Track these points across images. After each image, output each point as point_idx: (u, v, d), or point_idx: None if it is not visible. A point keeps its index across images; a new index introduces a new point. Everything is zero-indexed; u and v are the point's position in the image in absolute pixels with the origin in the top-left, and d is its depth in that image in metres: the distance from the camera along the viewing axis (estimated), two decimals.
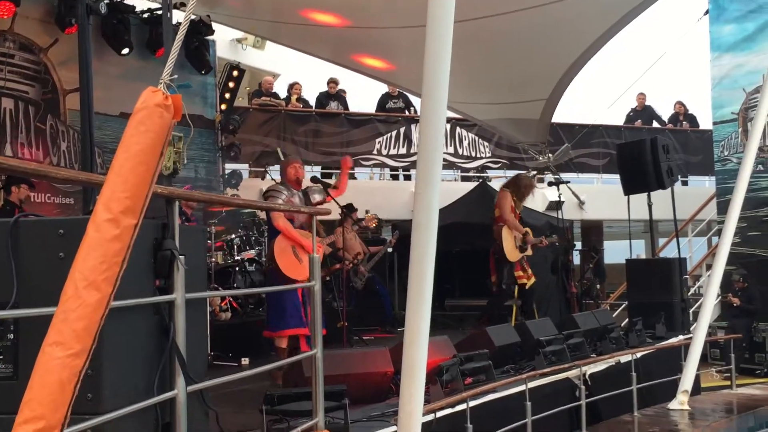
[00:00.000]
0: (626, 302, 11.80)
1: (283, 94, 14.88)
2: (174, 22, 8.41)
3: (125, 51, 9.90)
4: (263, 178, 13.29)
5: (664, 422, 7.84)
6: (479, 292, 12.42)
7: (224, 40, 13.99)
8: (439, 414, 5.61)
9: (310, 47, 10.80)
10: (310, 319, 7.05)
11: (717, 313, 14.05)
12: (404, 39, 8.99)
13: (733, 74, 15.03)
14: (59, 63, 9.35)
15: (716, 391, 10.32)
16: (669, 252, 14.91)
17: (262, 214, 11.34)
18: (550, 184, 12.14)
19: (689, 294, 12.12)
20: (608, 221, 17.04)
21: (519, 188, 9.73)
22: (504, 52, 9.48)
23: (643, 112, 17.49)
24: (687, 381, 8.30)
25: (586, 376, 7.62)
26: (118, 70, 10.04)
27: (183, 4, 8.96)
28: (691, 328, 10.25)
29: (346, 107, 15.01)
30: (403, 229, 12.13)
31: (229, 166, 12.83)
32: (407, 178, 15.44)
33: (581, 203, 15.07)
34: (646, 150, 10.95)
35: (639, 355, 8.53)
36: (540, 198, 14.90)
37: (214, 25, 10.79)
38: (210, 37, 11.19)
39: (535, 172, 13.46)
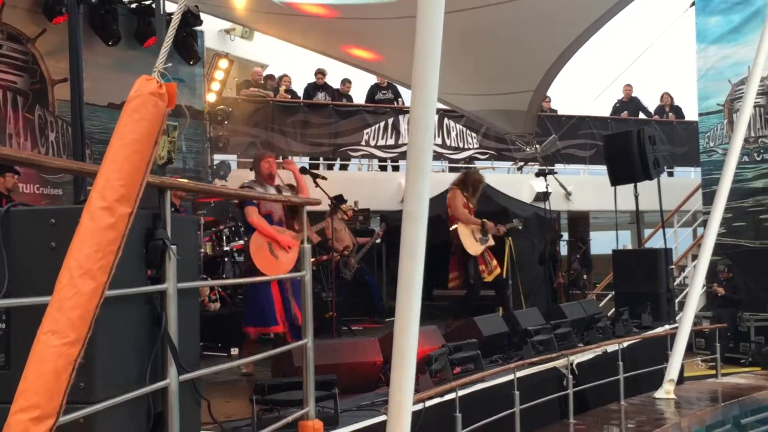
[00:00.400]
0: (613, 292, 11.86)
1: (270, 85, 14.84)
2: (161, 12, 8.38)
3: (113, 41, 9.85)
4: (251, 169, 13.25)
5: (651, 411, 7.90)
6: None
7: (212, 30, 13.94)
8: (429, 403, 5.64)
9: (298, 38, 10.78)
10: (293, 313, 7.11)
11: (702, 302, 14.12)
12: (392, 30, 9.00)
13: (718, 66, 15.08)
14: (47, 53, 9.30)
15: (701, 380, 10.40)
16: (655, 242, 14.98)
17: None
18: (538, 175, 12.16)
19: (675, 284, 12.18)
20: (595, 212, 17.10)
21: (467, 185, 9.65)
22: (492, 43, 9.49)
23: (629, 104, 17.54)
24: (673, 370, 8.37)
25: (574, 366, 7.68)
26: (107, 60, 10.00)
27: None
28: (677, 318, 10.31)
29: (333, 98, 15.00)
30: (391, 220, 12.15)
31: (218, 157, 12.81)
32: (395, 169, 15.44)
33: (568, 194, 15.12)
34: (633, 141, 11.00)
35: (625, 344, 8.60)
36: (527, 189, 14.96)
37: (202, 16, 10.76)
38: (198, 28, 11.14)
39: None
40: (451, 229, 9.45)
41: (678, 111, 17.94)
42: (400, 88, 14.71)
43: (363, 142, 14.69)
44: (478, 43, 9.31)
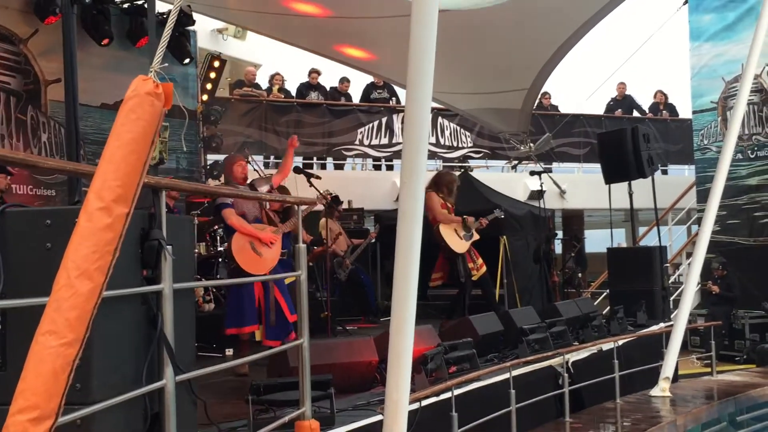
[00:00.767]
0: (608, 290, 11.88)
1: (264, 84, 14.84)
2: (154, 12, 8.36)
3: (106, 41, 9.83)
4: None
5: (646, 409, 7.91)
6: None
7: (205, 30, 13.92)
8: (425, 402, 5.63)
9: (291, 37, 10.77)
10: (266, 312, 7.12)
11: (697, 300, 14.17)
12: (386, 29, 9.00)
13: (712, 63, 15.12)
14: (39, 54, 9.26)
15: (697, 377, 10.41)
16: (649, 240, 15.01)
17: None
18: (532, 173, 12.18)
19: (670, 282, 12.22)
20: (589, 210, 17.13)
21: (440, 186, 9.62)
22: (485, 42, 9.50)
23: (623, 102, 17.57)
24: (668, 368, 8.38)
25: (569, 364, 7.68)
26: (99, 61, 9.96)
27: None
28: (672, 316, 10.34)
29: (327, 97, 14.99)
30: (385, 219, 12.15)
31: (211, 157, 12.79)
32: (389, 168, 15.44)
33: (562, 192, 15.14)
34: (627, 139, 11.02)
35: (621, 342, 8.60)
36: (521, 187, 14.98)
37: (195, 16, 10.73)
38: (191, 28, 11.11)
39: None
40: (433, 230, 9.43)
41: (672, 109, 17.97)
42: (396, 87, 14.70)
43: (357, 142, 14.69)
44: (472, 42, 9.31)
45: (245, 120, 13.83)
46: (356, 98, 15.32)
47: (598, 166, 12.39)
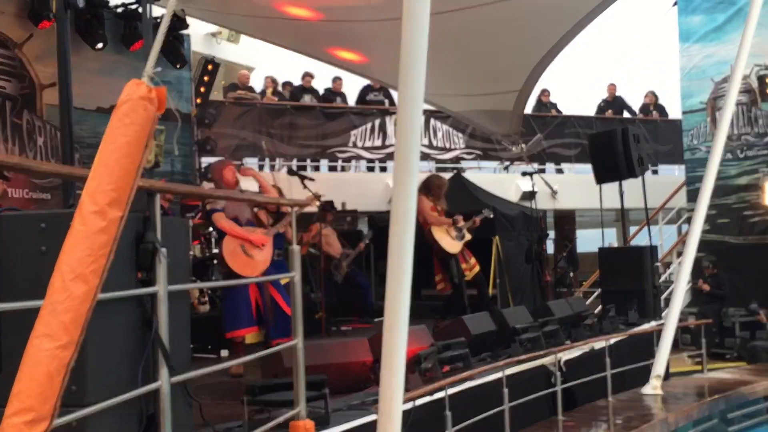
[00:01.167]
0: (599, 290, 11.93)
1: (258, 87, 14.86)
2: (148, 16, 8.39)
3: (100, 45, 9.84)
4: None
5: (638, 406, 7.97)
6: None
7: (198, 34, 13.95)
8: (418, 402, 5.67)
9: (284, 41, 10.79)
10: (265, 314, 7.16)
11: (688, 299, 14.22)
12: (378, 32, 9.02)
13: (701, 64, 15.19)
14: (35, 58, 9.26)
15: (688, 375, 10.48)
16: (640, 240, 15.07)
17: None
18: (524, 174, 12.22)
19: (660, 281, 12.27)
20: (581, 210, 17.17)
21: (430, 189, 9.68)
22: (477, 44, 9.52)
23: (613, 103, 17.61)
24: (659, 366, 8.44)
25: (561, 363, 7.73)
26: (94, 65, 9.96)
27: None
28: (663, 315, 10.40)
29: (320, 100, 15.02)
30: (379, 220, 12.18)
31: (206, 160, 12.80)
32: (383, 170, 15.46)
33: (554, 193, 15.18)
34: (617, 140, 11.08)
35: (612, 341, 8.65)
36: (513, 188, 15.02)
37: (189, 19, 10.74)
38: (184, 32, 11.13)
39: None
40: (425, 233, 9.48)
41: (662, 109, 18.03)
42: (391, 90, 14.73)
43: (350, 144, 14.71)
44: (463, 44, 9.34)
45: (239, 123, 13.84)
46: (351, 99, 15.34)
47: (589, 166, 12.44)
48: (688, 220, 12.56)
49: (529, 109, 16.63)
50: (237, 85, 14.31)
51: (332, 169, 15.61)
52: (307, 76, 14.98)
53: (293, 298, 4.67)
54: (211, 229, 10.20)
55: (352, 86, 15.23)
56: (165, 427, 3.24)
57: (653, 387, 8.37)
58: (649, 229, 12.12)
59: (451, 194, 12.91)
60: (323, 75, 14.85)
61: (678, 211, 16.55)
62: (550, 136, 15.08)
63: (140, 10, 10.09)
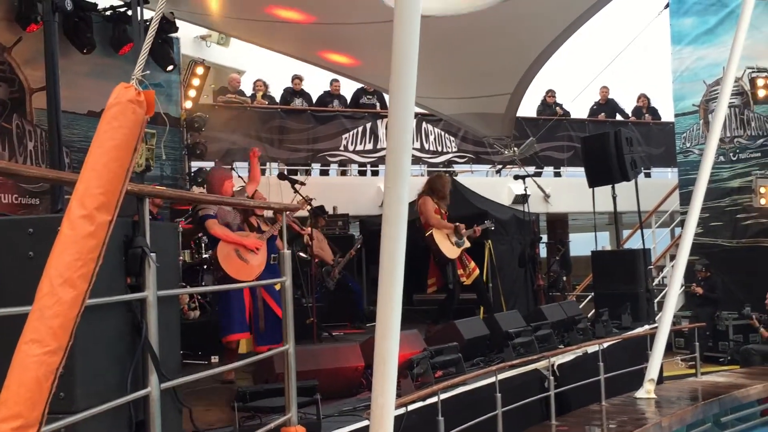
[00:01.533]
0: (592, 293, 11.92)
1: (248, 91, 14.82)
2: (139, 19, 8.34)
3: (88, 49, 9.78)
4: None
5: (632, 411, 7.95)
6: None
7: (188, 37, 13.88)
8: (411, 407, 5.64)
9: (274, 44, 10.77)
10: (254, 319, 7.12)
11: (681, 302, 14.24)
12: (369, 35, 9.00)
13: (693, 67, 15.23)
14: (24, 62, 9.20)
15: (681, 379, 10.47)
16: (633, 243, 15.09)
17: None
18: (516, 177, 12.22)
19: (654, 284, 12.27)
20: (573, 214, 17.18)
21: (435, 190, 9.68)
22: (468, 47, 9.52)
23: (606, 106, 17.65)
24: (653, 370, 8.42)
25: (555, 367, 7.71)
26: (84, 68, 9.91)
27: (146, 1, 8.88)
28: (656, 318, 10.38)
29: (311, 103, 14.99)
30: (370, 224, 12.16)
31: (195, 164, 12.75)
32: (374, 173, 15.44)
33: (546, 196, 15.19)
34: (610, 143, 11.07)
35: (606, 345, 8.64)
36: (506, 192, 15.02)
37: (178, 22, 10.71)
38: (174, 35, 11.08)
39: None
40: (426, 234, 9.46)
41: (654, 112, 18.07)
42: (384, 94, 14.70)
43: (341, 147, 14.68)
44: (454, 47, 9.33)
45: (229, 127, 13.80)
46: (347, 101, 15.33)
47: (581, 169, 12.44)
48: (681, 223, 12.59)
49: (533, 111, 16.71)
50: (227, 89, 14.27)
51: (323, 173, 15.59)
52: (297, 79, 14.95)
53: (284, 303, 4.64)
54: (201, 233, 10.18)
55: (345, 86, 15.21)
56: None
57: (647, 391, 8.35)
58: (642, 233, 12.11)
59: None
60: (315, 78, 14.82)
61: (671, 214, 16.58)
62: (542, 139, 15.07)
63: (129, 13, 10.05)
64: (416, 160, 15.09)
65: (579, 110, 17.56)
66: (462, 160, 15.87)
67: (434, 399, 5.76)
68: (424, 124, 15.16)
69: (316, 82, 15.22)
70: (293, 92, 14.93)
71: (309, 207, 8.76)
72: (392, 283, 4.29)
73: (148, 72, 2.68)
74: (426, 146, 15.33)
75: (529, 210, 11.47)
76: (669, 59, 15.64)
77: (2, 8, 9.06)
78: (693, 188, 8.44)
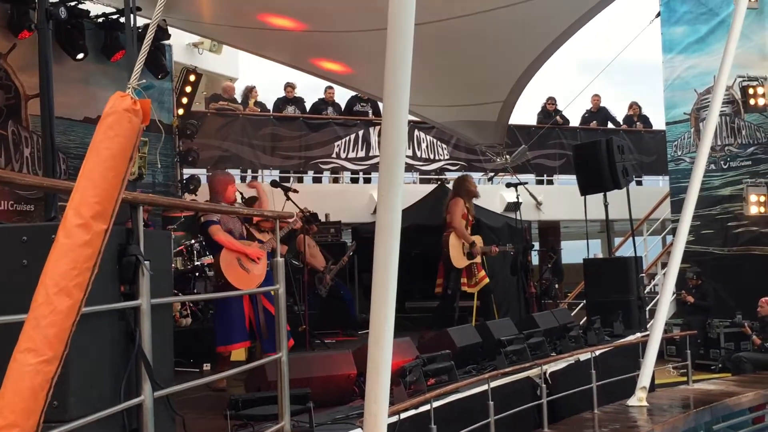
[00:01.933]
0: (584, 301, 11.93)
1: (240, 98, 14.83)
2: (133, 25, 8.32)
3: (80, 56, 9.78)
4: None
5: (624, 418, 7.95)
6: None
7: (180, 44, 13.90)
8: (403, 415, 5.63)
9: (267, 51, 10.77)
10: (257, 328, 7.11)
11: (673, 310, 14.26)
12: (362, 42, 9.01)
13: (684, 75, 15.29)
14: (19, 68, 9.18)
15: (673, 387, 10.48)
16: (625, 251, 15.12)
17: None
18: (508, 185, 12.24)
19: (645, 292, 12.29)
20: (565, 221, 17.22)
21: (461, 191, 9.76)
22: (461, 55, 9.53)
23: (598, 114, 17.71)
24: (645, 378, 8.42)
25: (547, 375, 7.70)
26: (79, 74, 9.90)
27: (139, 9, 8.88)
28: (648, 326, 10.40)
29: (303, 111, 15.00)
30: (363, 232, 12.15)
31: (187, 172, 12.74)
32: (367, 181, 15.46)
33: (538, 204, 15.22)
34: (602, 151, 11.09)
35: (598, 353, 8.64)
36: (498, 199, 15.04)
37: (170, 30, 10.71)
38: (166, 42, 11.08)
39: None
40: (444, 233, 9.49)
41: (646, 120, 18.14)
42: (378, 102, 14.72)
43: (334, 155, 14.69)
44: (447, 55, 9.35)
45: (221, 134, 13.80)
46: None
47: (573, 177, 12.46)
48: (673, 231, 12.62)
49: (532, 118, 16.76)
50: (219, 96, 14.27)
51: (316, 180, 15.60)
52: (289, 86, 14.96)
53: (278, 311, 4.64)
54: (193, 240, 10.17)
55: (338, 96, 15.25)
56: None
57: (639, 399, 8.35)
58: (633, 240, 12.13)
59: (435, 205, 12.93)
60: (307, 86, 14.86)
61: (662, 222, 16.63)
62: (534, 147, 15.12)
63: (122, 20, 10.05)
64: (408, 168, 15.10)
65: (571, 118, 17.64)
66: (454, 168, 15.89)
67: (427, 407, 5.75)
68: (416, 132, 15.19)
69: (310, 90, 15.25)
70: (286, 100, 14.95)
71: (301, 214, 8.75)
72: (385, 290, 4.29)
73: (144, 81, 2.68)
74: (418, 154, 15.35)
75: (521, 218, 11.49)
76: (660, 67, 15.71)
77: None
78: (684, 196, 8.46)
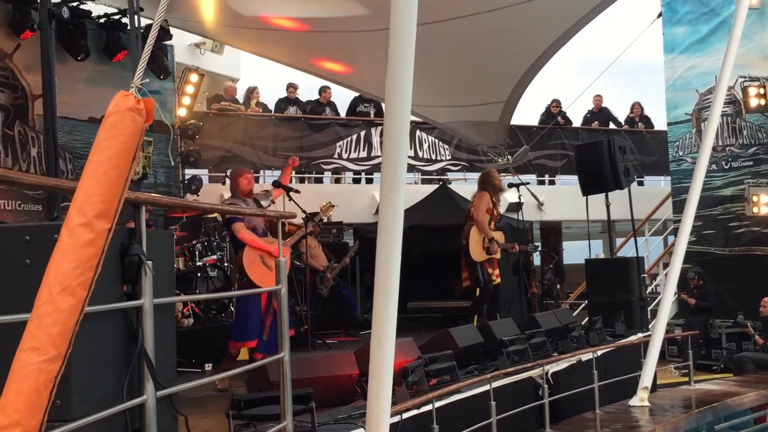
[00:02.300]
0: (586, 301, 11.93)
1: (241, 98, 14.82)
2: (137, 26, 8.36)
3: (82, 57, 9.78)
4: (224, 183, 13.25)
5: (625, 419, 7.95)
6: (441, 295, 12.46)
7: (182, 44, 13.91)
8: (405, 415, 5.64)
9: (268, 52, 10.78)
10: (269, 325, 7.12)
11: (674, 310, 14.25)
12: (363, 43, 9.03)
13: (686, 76, 15.28)
14: (24, 68, 9.19)
15: (675, 387, 10.48)
16: (626, 251, 15.11)
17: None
18: (510, 185, 12.24)
19: (647, 292, 12.28)
20: (567, 222, 17.22)
21: (487, 185, 9.77)
22: (462, 55, 9.54)
23: (599, 114, 17.70)
24: (647, 378, 8.43)
25: (549, 375, 7.70)
26: (82, 74, 9.92)
27: (141, 9, 8.90)
28: (650, 326, 10.40)
29: (305, 111, 15.00)
30: (365, 232, 12.16)
31: (189, 172, 12.75)
32: (369, 181, 15.46)
33: (540, 204, 15.22)
34: (604, 151, 11.09)
35: (600, 353, 8.64)
36: (500, 200, 15.03)
37: (172, 30, 10.72)
38: (168, 42, 11.10)
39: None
40: (466, 225, 9.57)
41: (647, 121, 18.13)
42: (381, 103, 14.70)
43: (336, 155, 14.70)
44: (448, 55, 9.35)
45: (223, 134, 13.81)
46: (339, 108, 15.32)
47: (575, 177, 12.45)
48: (674, 231, 12.61)
49: (535, 119, 16.76)
50: (221, 96, 14.27)
51: (318, 180, 15.60)
52: (291, 87, 14.97)
53: (280, 311, 4.64)
54: (195, 241, 10.17)
55: (340, 96, 15.23)
56: None
57: (641, 399, 8.36)
58: (635, 241, 12.14)
59: (436, 206, 12.93)
60: (309, 86, 14.86)
61: (664, 223, 16.62)
62: (535, 147, 15.12)
63: (123, 20, 10.07)
64: (410, 168, 15.09)
65: (572, 118, 17.64)
66: (456, 168, 15.89)
67: (429, 407, 5.76)
68: (418, 132, 15.18)
69: (311, 90, 15.25)
70: (287, 100, 14.95)
71: (305, 218, 8.74)
72: (388, 291, 4.29)
73: (147, 80, 2.69)
74: (420, 154, 15.35)
75: (523, 218, 11.48)
76: (662, 68, 15.70)
77: (1, 15, 9.05)
78: (686, 196, 8.46)
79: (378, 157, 14.52)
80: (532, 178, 15.99)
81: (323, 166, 14.87)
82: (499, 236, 9.77)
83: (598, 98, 17.67)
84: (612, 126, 17.63)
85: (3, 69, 9.03)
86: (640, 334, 10.05)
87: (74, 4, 9.45)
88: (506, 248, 9.91)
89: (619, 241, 17.20)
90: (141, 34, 8.69)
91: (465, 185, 15.97)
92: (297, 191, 8.83)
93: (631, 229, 12.50)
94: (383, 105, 14.33)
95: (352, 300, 11.07)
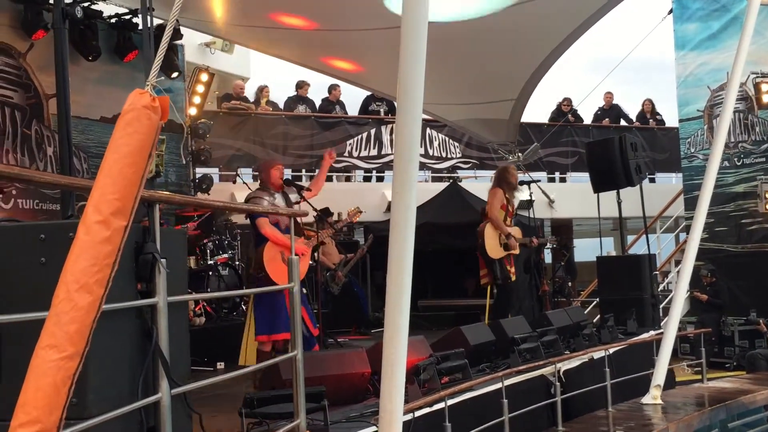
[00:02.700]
0: (597, 299, 11.90)
1: (251, 97, 14.84)
2: (150, 25, 8.37)
3: (93, 57, 9.81)
4: (234, 182, 13.27)
5: (638, 416, 7.93)
6: (452, 293, 12.47)
7: (192, 44, 13.93)
8: (418, 413, 5.63)
9: (278, 50, 10.79)
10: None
11: (686, 308, 14.22)
12: (373, 41, 9.03)
13: (697, 72, 15.23)
14: (38, 68, 9.23)
15: (687, 385, 10.44)
16: (638, 248, 15.05)
17: (236, 218, 11.30)
18: (521, 183, 12.21)
19: (659, 290, 12.25)
20: (578, 219, 17.18)
21: (502, 182, 9.72)
22: (473, 53, 9.54)
23: (610, 111, 17.66)
24: (659, 375, 8.40)
25: (561, 373, 7.68)
26: (94, 74, 9.95)
27: (152, 9, 8.91)
28: (662, 324, 10.37)
29: (315, 110, 15.01)
30: (376, 231, 12.16)
31: (200, 171, 12.78)
32: (379, 179, 15.46)
33: (551, 202, 15.19)
34: (615, 148, 11.06)
35: (612, 350, 8.61)
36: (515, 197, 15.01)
37: (182, 30, 10.74)
38: (178, 42, 11.13)
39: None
40: (480, 224, 9.54)
41: (659, 117, 18.08)
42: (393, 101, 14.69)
43: (346, 153, 14.70)
44: (459, 53, 9.35)
45: (233, 133, 13.83)
46: (349, 107, 15.32)
47: (586, 175, 12.43)
48: (686, 229, 12.57)
49: (545, 116, 16.74)
50: (231, 95, 14.29)
51: (328, 178, 15.59)
52: (304, 84, 14.97)
53: (293, 309, 4.64)
54: (206, 240, 10.19)
55: (351, 95, 15.23)
56: None
57: (653, 397, 8.33)
58: (647, 238, 12.10)
59: (446, 203, 12.92)
60: (318, 84, 14.86)
61: (676, 220, 16.57)
62: (546, 144, 15.09)
63: (134, 20, 10.10)
64: (420, 166, 15.06)
65: (583, 115, 17.60)
66: (466, 166, 15.88)
67: (441, 405, 5.75)
68: (428, 130, 15.17)
69: (321, 89, 15.25)
70: (297, 99, 14.96)
71: (316, 216, 8.74)
72: (400, 288, 4.29)
73: (162, 78, 2.70)
74: (430, 152, 15.34)
75: (534, 215, 11.46)
76: (673, 64, 15.65)
77: (8, 15, 9.09)
78: (698, 193, 8.42)
79: (388, 155, 14.53)
80: (542, 175, 15.98)
81: (333, 165, 14.86)
82: (516, 232, 9.73)
83: (608, 95, 17.63)
84: (623, 123, 17.59)
85: (17, 69, 9.07)
86: (652, 332, 10.01)
87: (86, 4, 9.48)
88: (525, 243, 9.86)
89: (630, 238, 17.13)
90: (154, 34, 8.70)
91: (475, 183, 15.99)
92: (309, 189, 8.85)
93: (642, 226, 12.47)
94: (395, 103, 14.37)
95: (363, 298, 11.08)
